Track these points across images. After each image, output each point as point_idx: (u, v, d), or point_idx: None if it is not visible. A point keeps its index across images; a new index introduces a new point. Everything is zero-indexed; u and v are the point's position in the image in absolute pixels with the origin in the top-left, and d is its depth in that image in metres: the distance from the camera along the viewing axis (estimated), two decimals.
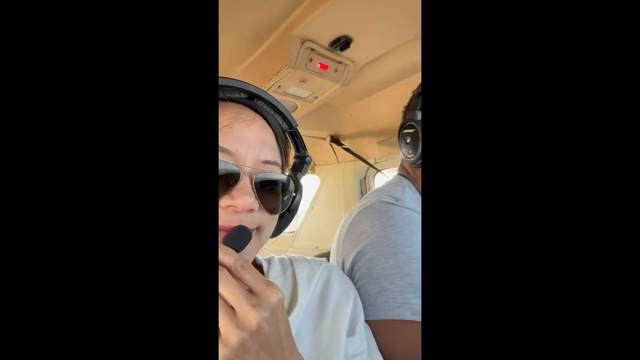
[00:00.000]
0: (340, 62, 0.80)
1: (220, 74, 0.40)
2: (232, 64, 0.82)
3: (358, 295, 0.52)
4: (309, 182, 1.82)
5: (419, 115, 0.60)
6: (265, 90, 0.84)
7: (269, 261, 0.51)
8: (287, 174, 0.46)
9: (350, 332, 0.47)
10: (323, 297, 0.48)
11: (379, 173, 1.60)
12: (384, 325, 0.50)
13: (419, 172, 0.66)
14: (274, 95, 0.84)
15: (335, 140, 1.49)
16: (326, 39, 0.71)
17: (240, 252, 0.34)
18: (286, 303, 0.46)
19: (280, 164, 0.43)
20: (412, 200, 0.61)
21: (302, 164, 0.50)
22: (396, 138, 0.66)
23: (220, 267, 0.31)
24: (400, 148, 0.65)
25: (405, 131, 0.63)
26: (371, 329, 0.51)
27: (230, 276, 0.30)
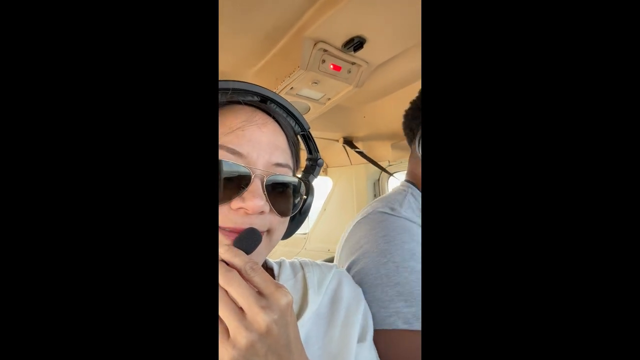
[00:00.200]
0: (353, 63, 0.79)
1: (232, 77, 0.41)
2: (244, 67, 0.82)
3: (377, 303, 0.51)
4: (322, 184, 1.82)
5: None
6: (277, 92, 0.84)
7: (279, 264, 0.51)
8: (298, 176, 0.46)
9: (361, 339, 0.46)
10: (334, 303, 0.48)
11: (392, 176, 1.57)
12: (376, 335, 0.50)
13: None
14: (286, 97, 0.84)
15: (349, 142, 1.48)
16: (339, 40, 0.71)
17: (250, 254, 0.34)
18: (296, 307, 0.45)
19: (292, 166, 0.43)
20: (410, 209, 0.61)
21: (314, 166, 0.50)
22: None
23: (230, 268, 0.31)
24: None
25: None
26: None
27: (240, 278, 0.31)
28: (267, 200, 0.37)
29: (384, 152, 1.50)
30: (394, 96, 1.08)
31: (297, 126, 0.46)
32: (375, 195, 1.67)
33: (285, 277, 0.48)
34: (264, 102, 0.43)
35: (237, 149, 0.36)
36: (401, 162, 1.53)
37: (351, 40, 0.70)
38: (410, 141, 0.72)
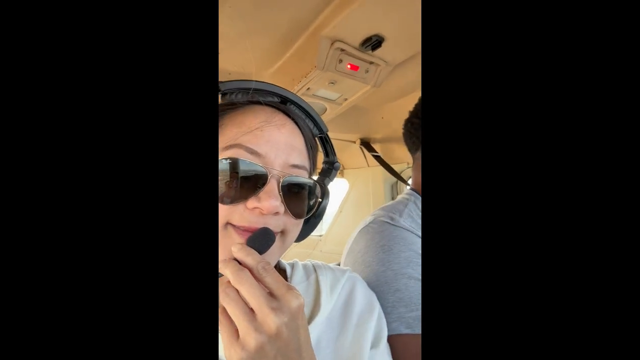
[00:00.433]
0: (371, 63, 0.78)
1: (250, 79, 0.41)
2: (261, 68, 0.83)
3: (381, 309, 0.50)
4: (338, 186, 1.80)
5: None
6: (293, 93, 0.84)
7: (292, 266, 0.50)
8: (314, 178, 0.45)
9: (375, 345, 0.45)
10: (346, 307, 0.47)
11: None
12: None
13: None
14: (303, 98, 0.83)
15: (366, 143, 1.46)
16: (357, 39, 0.69)
17: (263, 254, 0.34)
18: (308, 310, 0.45)
19: (308, 168, 0.42)
20: (409, 219, 0.65)
21: (330, 169, 0.50)
22: None
23: (242, 267, 0.31)
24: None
25: None
26: None
27: (252, 278, 0.30)
28: (282, 202, 0.36)
29: (402, 154, 1.47)
30: (413, 96, 1.05)
31: (315, 128, 0.46)
32: (392, 198, 1.63)
33: (298, 279, 0.48)
34: (284, 103, 0.43)
35: (256, 148, 0.36)
36: None
37: (369, 39, 0.69)
38: (416, 150, 0.72)
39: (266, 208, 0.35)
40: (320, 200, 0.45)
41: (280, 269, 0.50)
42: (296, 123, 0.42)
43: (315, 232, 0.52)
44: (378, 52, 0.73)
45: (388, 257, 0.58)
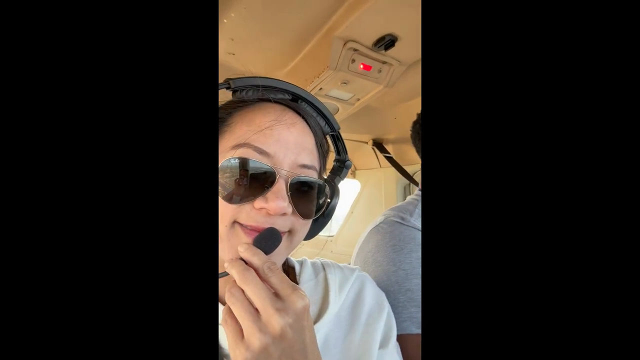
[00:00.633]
0: (384, 62, 0.77)
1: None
2: (273, 69, 0.83)
3: (391, 309, 0.49)
4: (350, 187, 1.79)
5: None
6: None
7: (301, 263, 0.50)
8: (325, 177, 0.45)
9: (383, 345, 0.44)
10: (355, 306, 0.46)
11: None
12: None
13: None
14: None
15: (378, 144, 1.44)
16: (370, 38, 0.69)
17: (269, 255, 0.34)
18: (316, 309, 0.44)
19: (318, 168, 0.42)
20: (420, 218, 0.64)
21: (341, 168, 0.49)
22: None
23: (247, 267, 0.31)
24: None
25: None
26: None
27: (257, 278, 0.30)
28: (290, 202, 0.36)
29: (415, 155, 1.44)
30: None
31: (326, 126, 0.45)
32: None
33: (307, 277, 0.48)
34: (295, 101, 0.42)
35: (264, 148, 0.36)
36: None
37: (382, 38, 0.68)
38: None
39: (273, 209, 0.34)
40: (329, 200, 0.45)
41: (289, 267, 0.50)
42: (307, 121, 0.41)
43: (326, 233, 0.52)
44: (391, 51, 0.72)
45: (399, 257, 0.58)
